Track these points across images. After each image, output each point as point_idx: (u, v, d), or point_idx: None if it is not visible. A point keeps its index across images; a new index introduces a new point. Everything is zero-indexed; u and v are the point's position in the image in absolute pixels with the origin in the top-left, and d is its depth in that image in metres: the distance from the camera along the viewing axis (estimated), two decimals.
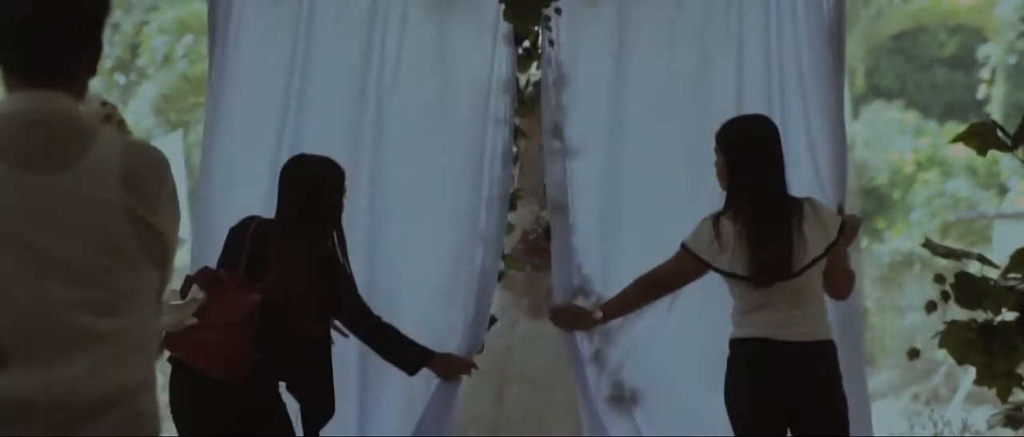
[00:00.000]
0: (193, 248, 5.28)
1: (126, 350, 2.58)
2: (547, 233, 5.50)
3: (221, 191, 5.25)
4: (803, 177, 5.34)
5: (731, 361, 4.77)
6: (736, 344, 4.78)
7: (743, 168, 4.74)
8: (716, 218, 4.76)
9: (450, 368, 5.16)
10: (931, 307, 5.03)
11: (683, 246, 4.82)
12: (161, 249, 2.63)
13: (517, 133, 5.39)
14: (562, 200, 5.27)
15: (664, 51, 5.36)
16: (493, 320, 5.35)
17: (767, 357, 4.70)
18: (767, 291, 4.70)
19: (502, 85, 5.29)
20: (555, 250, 5.26)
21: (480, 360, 5.43)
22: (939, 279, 5.01)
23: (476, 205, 5.26)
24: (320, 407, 4.71)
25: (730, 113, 5.23)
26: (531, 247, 5.64)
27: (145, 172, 2.62)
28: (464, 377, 5.33)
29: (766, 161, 4.75)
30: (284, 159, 4.91)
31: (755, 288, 4.70)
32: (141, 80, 16.18)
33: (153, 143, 2.70)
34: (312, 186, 4.67)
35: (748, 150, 4.74)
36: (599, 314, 5.15)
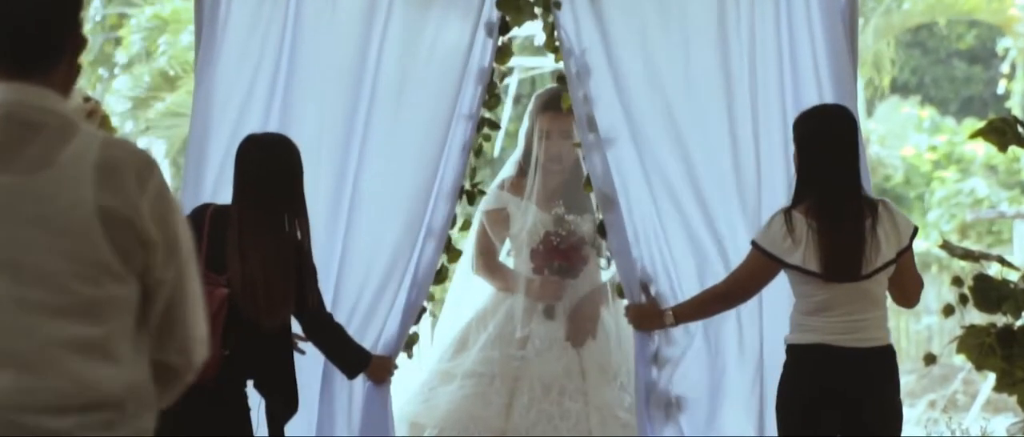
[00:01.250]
0: None
1: (103, 358, 2.55)
2: (570, 238, 5.59)
3: (209, 189, 5.24)
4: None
5: (790, 367, 4.76)
6: (796, 350, 4.76)
7: (817, 161, 4.71)
8: (788, 213, 4.73)
9: (381, 371, 5.16)
10: (949, 311, 5.03)
11: (754, 244, 4.80)
12: (146, 251, 2.58)
13: (484, 125, 5.39)
14: (610, 192, 5.26)
15: (680, 43, 5.35)
16: (422, 312, 5.35)
17: (829, 364, 4.69)
18: (834, 292, 4.67)
19: (476, 75, 5.30)
20: (614, 246, 5.28)
21: (493, 364, 5.44)
22: (957, 282, 5.01)
23: (426, 198, 5.26)
24: (285, 403, 4.69)
25: (746, 106, 5.27)
26: (552, 249, 5.67)
27: (122, 172, 2.56)
28: (476, 381, 5.35)
29: (842, 155, 4.72)
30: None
31: (823, 286, 4.67)
32: (121, 74, 16.18)
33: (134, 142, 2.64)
34: (268, 169, 4.58)
35: (823, 143, 4.72)
36: (671, 317, 5.13)
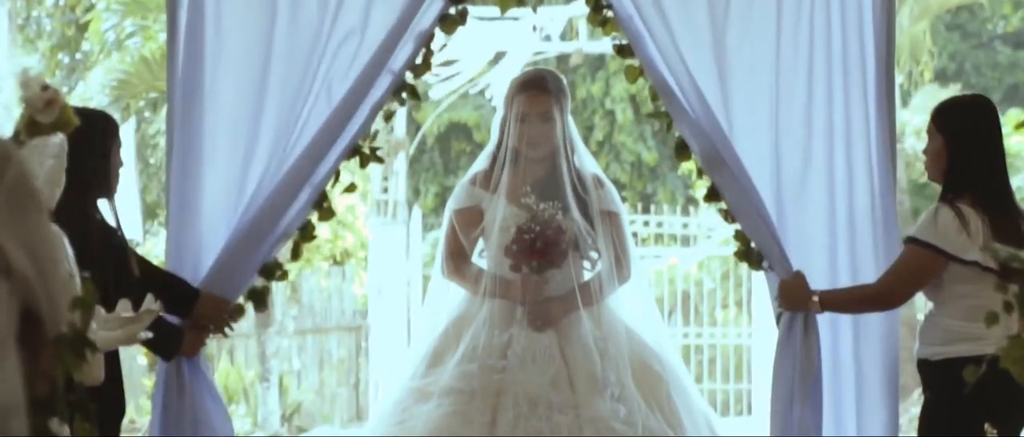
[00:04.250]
0: (169, 242, 5.40)
1: None
2: (545, 230, 5.50)
3: (192, 180, 5.38)
4: (843, 169, 5.35)
5: (957, 382, 4.74)
6: (961, 364, 4.71)
7: (976, 155, 4.83)
8: (956, 207, 4.80)
9: (214, 309, 5.27)
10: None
11: (915, 240, 4.83)
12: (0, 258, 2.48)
13: (404, 89, 5.48)
14: (714, 151, 5.36)
15: (706, 23, 5.46)
16: (277, 268, 5.45)
17: (1004, 377, 4.71)
18: (1002, 294, 4.68)
19: (417, 36, 5.41)
20: (743, 217, 5.35)
21: (473, 379, 5.40)
22: (1001, 288, 5.00)
23: (324, 153, 5.38)
24: (112, 407, 4.73)
25: (767, 96, 5.34)
26: (527, 247, 5.57)
27: None
28: (455, 398, 5.31)
29: (1000, 148, 4.88)
30: (262, 140, 5.15)
31: (992, 285, 4.67)
32: (89, 63, 16.16)
33: None
34: (71, 150, 4.48)
35: (981, 135, 4.86)
36: (817, 304, 5.17)
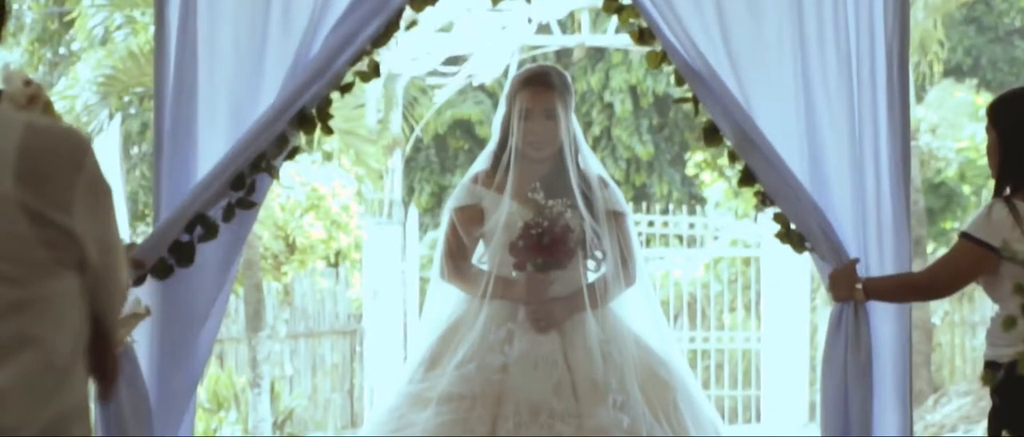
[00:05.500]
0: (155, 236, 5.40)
1: (38, 370, 2.50)
2: (553, 226, 5.50)
3: (181, 173, 5.41)
4: (853, 168, 5.35)
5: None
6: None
7: None
8: (1011, 203, 4.87)
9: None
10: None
11: (968, 236, 4.89)
12: (77, 251, 2.54)
13: (361, 56, 5.46)
14: (746, 135, 5.35)
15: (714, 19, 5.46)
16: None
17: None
18: (1021, 298, 4.70)
19: (388, 11, 5.40)
20: (782, 200, 5.34)
21: (471, 382, 5.39)
22: (1019, 290, 5.00)
23: (272, 124, 5.35)
24: None
25: (793, 91, 5.38)
26: (534, 243, 5.57)
27: (49, 162, 2.51)
28: (454, 405, 5.32)
29: None
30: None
31: (1016, 290, 4.69)
32: (73, 58, 16.17)
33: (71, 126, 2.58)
34: None
35: None
36: (860, 291, 5.22)
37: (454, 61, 14.79)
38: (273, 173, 5.44)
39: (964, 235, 4.90)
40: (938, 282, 5.05)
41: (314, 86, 5.38)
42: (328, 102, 5.48)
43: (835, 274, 5.29)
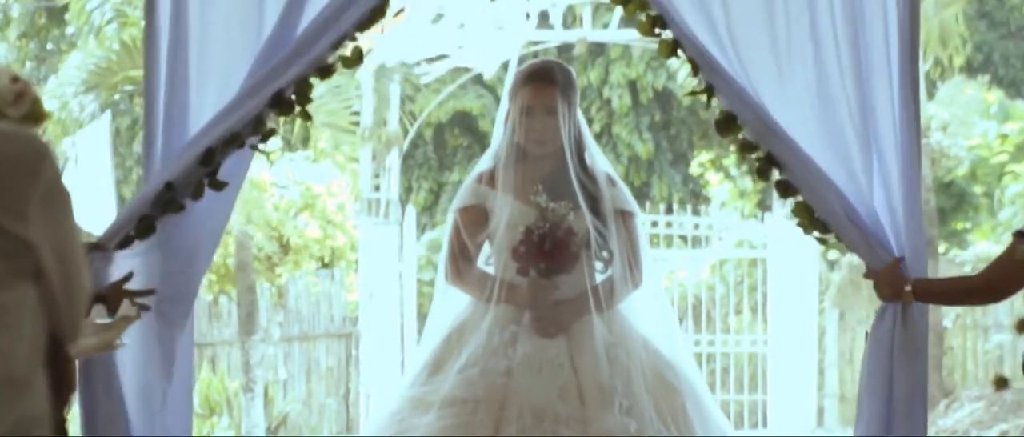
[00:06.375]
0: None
1: None
2: (555, 230, 5.48)
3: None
4: (861, 167, 5.35)
5: None
6: None
7: None
8: None
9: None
10: (1022, 327, 5.02)
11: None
12: (32, 260, 2.52)
13: (344, 39, 5.46)
14: (764, 123, 5.33)
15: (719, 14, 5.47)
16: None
17: None
18: None
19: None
20: (806, 188, 5.32)
21: (475, 386, 5.38)
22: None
23: (246, 103, 5.36)
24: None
25: (807, 86, 5.37)
26: (535, 248, 5.55)
27: (5, 170, 2.50)
28: (456, 410, 5.32)
29: None
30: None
31: None
32: (64, 50, 16.17)
33: (24, 128, 2.56)
34: None
35: None
36: (910, 294, 5.17)
37: (445, 55, 14.77)
38: (251, 147, 5.45)
39: (1019, 234, 4.87)
40: (994, 284, 4.96)
41: (293, 67, 5.37)
42: (308, 86, 5.47)
43: (878, 276, 5.26)
